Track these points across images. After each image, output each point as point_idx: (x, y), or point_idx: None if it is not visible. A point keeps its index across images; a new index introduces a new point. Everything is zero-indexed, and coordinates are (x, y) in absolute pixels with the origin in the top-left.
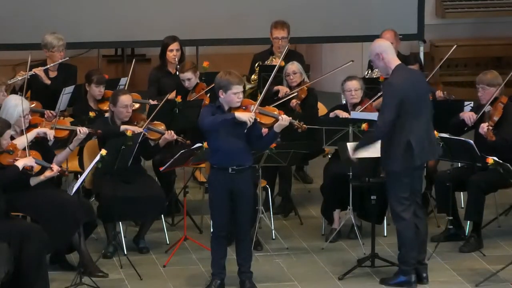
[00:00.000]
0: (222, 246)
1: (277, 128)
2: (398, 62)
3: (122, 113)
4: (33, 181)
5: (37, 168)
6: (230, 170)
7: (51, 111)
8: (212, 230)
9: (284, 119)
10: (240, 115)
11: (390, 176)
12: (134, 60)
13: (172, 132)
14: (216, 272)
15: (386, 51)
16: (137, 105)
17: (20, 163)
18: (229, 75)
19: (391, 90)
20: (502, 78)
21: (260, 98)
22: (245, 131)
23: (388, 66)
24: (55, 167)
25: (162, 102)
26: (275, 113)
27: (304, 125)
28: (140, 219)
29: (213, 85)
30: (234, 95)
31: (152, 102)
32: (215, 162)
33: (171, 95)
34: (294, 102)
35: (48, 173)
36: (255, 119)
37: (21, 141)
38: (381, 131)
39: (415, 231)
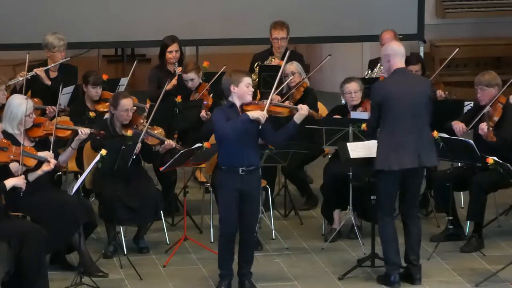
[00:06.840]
0: (231, 247)
1: (297, 118)
2: (400, 66)
3: (122, 116)
4: (31, 177)
5: (33, 162)
6: (240, 171)
7: (53, 107)
8: (221, 231)
9: (303, 109)
10: (253, 114)
11: (375, 174)
12: (136, 61)
13: (171, 141)
14: (225, 274)
15: (395, 56)
16: (134, 108)
17: (10, 182)
18: (236, 71)
19: (372, 91)
20: (502, 79)
21: (272, 92)
22: (259, 127)
23: (390, 68)
24: (52, 161)
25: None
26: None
27: (321, 113)
28: (135, 224)
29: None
30: (246, 87)
31: (147, 105)
32: (225, 163)
33: (170, 85)
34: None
35: (45, 167)
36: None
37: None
38: (368, 129)
39: (393, 231)
